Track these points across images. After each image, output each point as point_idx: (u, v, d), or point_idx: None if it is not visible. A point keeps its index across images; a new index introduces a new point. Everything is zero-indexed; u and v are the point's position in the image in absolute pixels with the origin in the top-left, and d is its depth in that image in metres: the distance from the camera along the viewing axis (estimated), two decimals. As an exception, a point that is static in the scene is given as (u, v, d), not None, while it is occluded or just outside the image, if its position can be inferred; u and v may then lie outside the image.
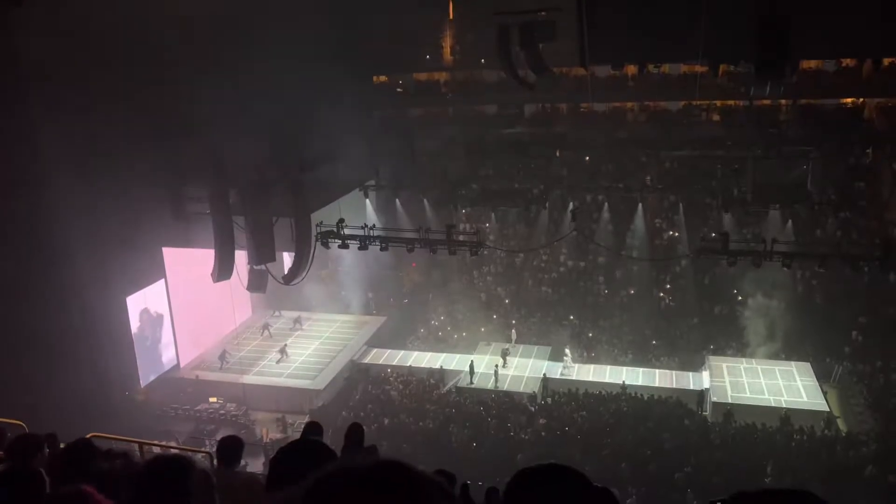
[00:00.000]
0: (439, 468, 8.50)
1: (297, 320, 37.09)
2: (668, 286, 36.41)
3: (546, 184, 36.03)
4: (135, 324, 30.40)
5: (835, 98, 34.07)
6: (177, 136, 24.68)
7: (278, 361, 33.70)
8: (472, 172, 36.80)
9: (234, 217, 27.04)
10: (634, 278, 36.54)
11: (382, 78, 39.13)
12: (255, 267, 27.93)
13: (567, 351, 31.67)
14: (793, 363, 30.61)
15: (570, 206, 34.26)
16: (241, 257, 28.01)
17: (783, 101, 33.69)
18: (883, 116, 33.83)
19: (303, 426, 7.60)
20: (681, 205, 35.69)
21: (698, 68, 31.87)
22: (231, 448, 6.04)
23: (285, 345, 34.42)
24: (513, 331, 34.13)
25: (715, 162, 35.18)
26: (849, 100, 34.41)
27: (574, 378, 30.43)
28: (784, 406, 27.49)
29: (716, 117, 35.47)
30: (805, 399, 28.07)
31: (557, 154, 37.69)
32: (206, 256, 27.95)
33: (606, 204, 36.48)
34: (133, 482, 3.09)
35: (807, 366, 30.21)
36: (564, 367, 31.16)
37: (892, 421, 25.91)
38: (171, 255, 31.62)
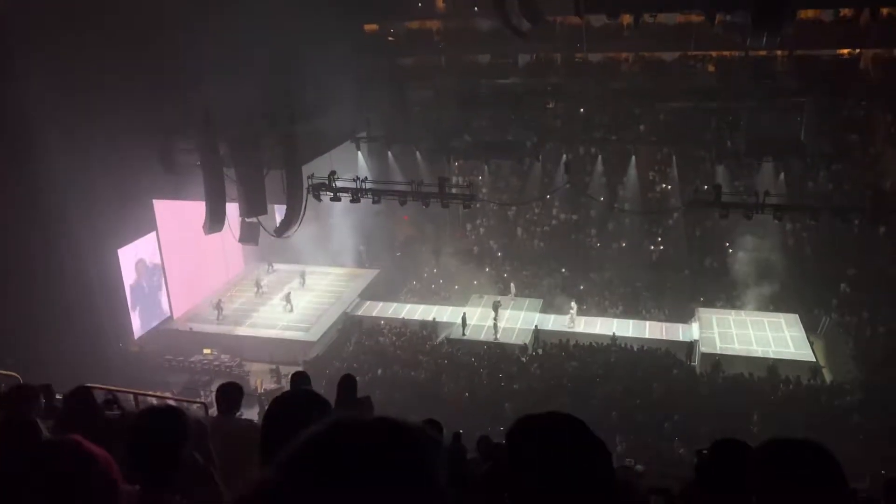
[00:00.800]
0: (429, 418, 8.64)
1: (303, 275, 36.87)
2: (660, 239, 36.53)
3: (540, 136, 35.77)
4: (131, 275, 30.49)
5: (832, 49, 33.68)
6: (166, 87, 24.28)
7: (284, 308, 33.91)
8: (464, 124, 36.49)
9: (225, 169, 26.81)
10: (626, 231, 36.63)
11: (373, 26, 38.41)
12: (246, 219, 27.83)
13: (573, 304, 31.59)
14: (781, 315, 30.96)
15: (564, 158, 34.11)
16: (232, 210, 27.88)
17: (779, 52, 33.30)
18: (879, 68, 33.54)
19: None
20: (674, 157, 35.58)
21: (694, 18, 31.46)
22: (230, 395, 6.11)
23: (289, 293, 34.53)
24: (511, 284, 34.20)
25: (709, 114, 34.96)
26: (845, 51, 34.05)
27: (569, 330, 30.67)
28: (771, 357, 27.91)
29: (711, 68, 35.08)
30: (792, 350, 28.48)
31: (551, 105, 37.33)
32: (197, 209, 27.80)
33: (600, 157, 36.33)
34: (128, 431, 3.12)
35: (795, 317, 30.57)
36: (570, 321, 31.13)
37: (876, 371, 26.37)
38: (162, 207, 31.45)
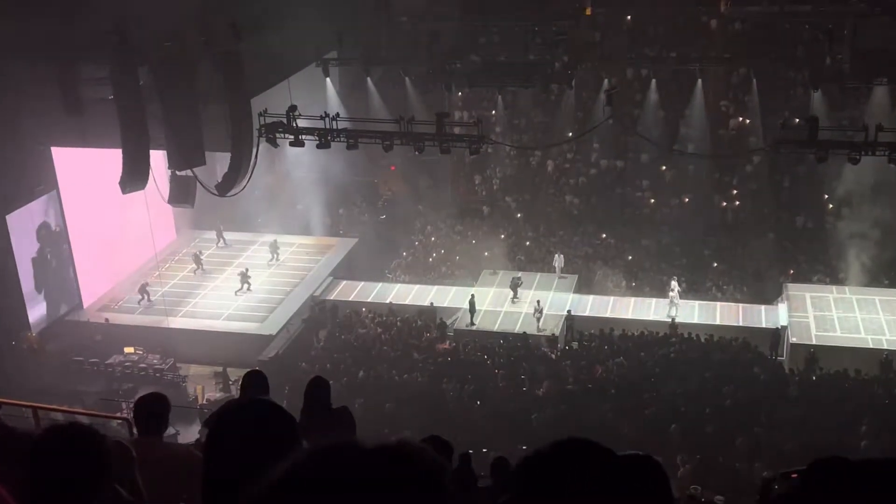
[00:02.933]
0: (432, 434, 8.69)
1: (275, 249, 36.65)
2: (735, 192, 36.42)
3: (571, 54, 35.48)
4: (31, 247, 30.63)
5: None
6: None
7: (238, 292, 34.08)
8: (470, 39, 36.18)
9: (147, 105, 26.68)
10: (690, 182, 36.49)
11: None
12: (177, 173, 27.76)
13: (673, 284, 31.37)
14: (899, 292, 31.07)
15: (605, 84, 33.86)
16: (158, 159, 27.79)
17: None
18: None
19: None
20: (754, 81, 35.34)
21: None
22: (152, 410, 6.11)
23: (246, 270, 34.68)
24: (557, 255, 34.08)
25: (801, 21, 34.63)
26: None
27: (668, 319, 30.21)
28: (885, 347, 28.00)
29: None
30: (913, 338, 28.62)
31: (587, 12, 36.98)
32: (111, 160, 27.70)
33: (654, 81, 36.09)
34: (26, 458, 3.12)
35: (917, 295, 30.67)
36: (671, 305, 30.99)
37: None
38: (63, 157, 31.35)
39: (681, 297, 31.25)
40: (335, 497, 1.42)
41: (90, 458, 3.13)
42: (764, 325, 30.22)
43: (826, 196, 33.86)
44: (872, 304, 30.64)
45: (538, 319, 30.67)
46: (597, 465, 1.89)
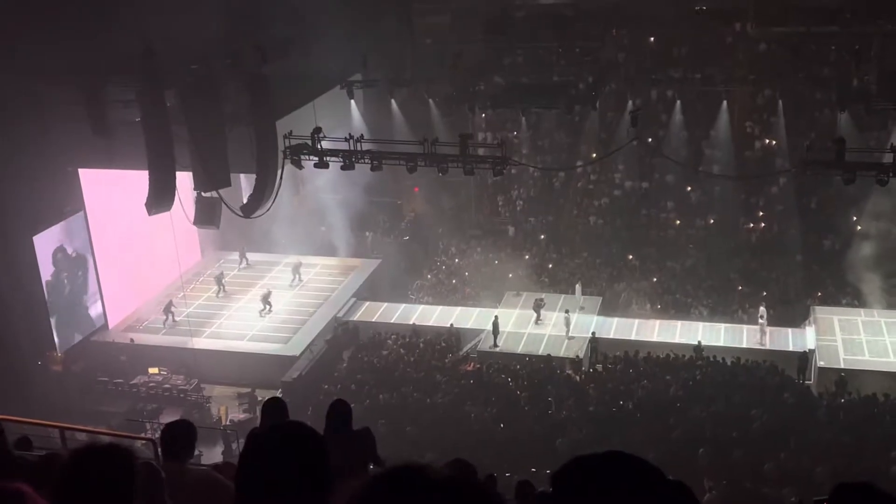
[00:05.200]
0: (456, 458, 8.69)
1: (297, 270, 36.99)
2: (761, 213, 36.21)
3: (596, 75, 35.53)
4: (47, 269, 30.73)
5: None
6: (94, 19, 24.34)
7: (262, 312, 34.23)
8: (494, 60, 36.29)
9: (174, 127, 26.90)
10: (716, 203, 36.35)
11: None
12: (203, 194, 27.95)
13: (762, 310, 31.05)
14: (929, 315, 30.73)
15: (629, 105, 33.85)
16: (184, 181, 27.99)
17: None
18: None
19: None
20: (780, 102, 35.20)
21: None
22: (180, 438, 6.14)
23: (268, 293, 34.90)
24: (577, 286, 34.03)
25: (827, 42, 34.52)
26: None
27: (758, 347, 29.99)
28: (915, 371, 27.72)
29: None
30: (944, 362, 28.28)
31: (613, 33, 37.05)
32: (137, 181, 27.93)
33: (679, 102, 36.04)
34: (56, 479, 3.14)
35: (948, 318, 30.33)
36: (761, 333, 30.52)
37: None
38: (90, 179, 31.66)
39: (768, 325, 30.89)
40: None
41: (121, 478, 3.14)
42: (791, 349, 29.97)
43: (855, 218, 33.58)
44: (902, 327, 30.33)
45: (567, 325, 30.72)
46: (640, 478, 1.91)
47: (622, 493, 1.87)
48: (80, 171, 31.23)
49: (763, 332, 30.65)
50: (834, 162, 25.86)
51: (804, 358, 29.26)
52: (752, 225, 36.27)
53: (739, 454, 23.46)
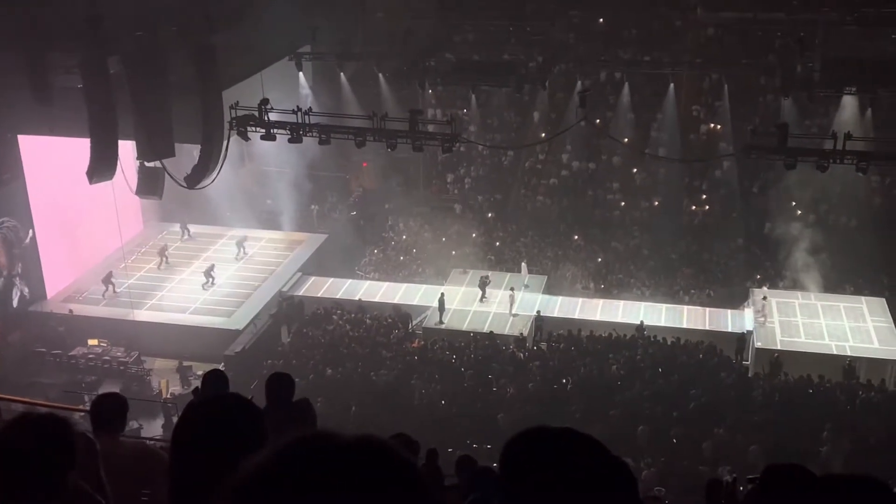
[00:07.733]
0: (398, 432, 8.70)
1: (242, 244, 36.56)
2: (705, 196, 36.68)
3: (546, 55, 35.61)
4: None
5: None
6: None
7: (205, 285, 33.92)
8: (445, 37, 36.18)
9: (117, 95, 26.43)
10: (660, 186, 36.74)
11: None
12: (146, 164, 27.56)
13: (765, 289, 31.23)
14: (863, 298, 31.39)
15: (578, 86, 34.00)
16: (127, 150, 27.57)
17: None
18: None
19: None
20: (726, 86, 35.63)
21: None
22: (109, 410, 6.01)
23: (212, 266, 34.54)
24: (523, 264, 34.17)
25: (773, 28, 34.95)
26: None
27: (758, 326, 29.95)
28: (849, 354, 28.27)
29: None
30: (876, 345, 28.89)
31: (566, 14, 37.16)
32: (78, 149, 27.43)
33: (627, 84, 36.29)
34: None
35: (881, 302, 31.00)
36: (759, 314, 30.38)
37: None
38: (30, 146, 31.01)
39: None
40: (314, 496, 1.42)
41: (57, 449, 3.10)
42: (730, 330, 30.42)
43: (794, 203, 34.09)
44: (837, 310, 30.89)
45: (512, 303, 30.98)
46: (581, 453, 1.91)
47: (568, 469, 1.88)
48: (20, 137, 30.57)
49: (762, 312, 30.33)
50: (776, 147, 26.23)
51: (742, 339, 29.75)
52: (695, 207, 36.71)
53: (677, 433, 23.88)
